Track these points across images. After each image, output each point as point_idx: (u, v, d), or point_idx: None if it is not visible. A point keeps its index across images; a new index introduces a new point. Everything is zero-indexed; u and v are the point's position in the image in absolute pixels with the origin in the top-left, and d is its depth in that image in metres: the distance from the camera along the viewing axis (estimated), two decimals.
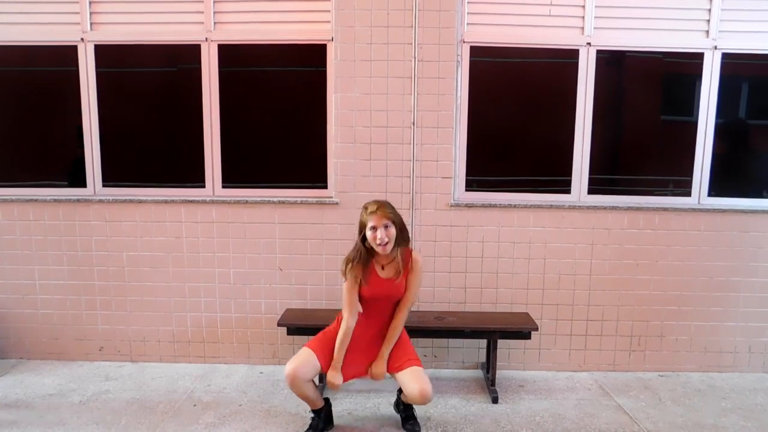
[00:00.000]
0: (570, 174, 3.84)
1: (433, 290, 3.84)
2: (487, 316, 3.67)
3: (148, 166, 3.96)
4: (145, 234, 3.84)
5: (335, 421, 3.09)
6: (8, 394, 3.44)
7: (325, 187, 3.84)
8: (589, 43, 3.72)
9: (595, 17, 3.71)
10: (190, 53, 3.77)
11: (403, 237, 2.84)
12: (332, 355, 2.88)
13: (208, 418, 3.14)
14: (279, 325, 3.51)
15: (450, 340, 3.83)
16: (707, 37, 3.73)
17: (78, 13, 3.74)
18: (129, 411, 3.23)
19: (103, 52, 3.79)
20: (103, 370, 3.81)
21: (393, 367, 2.90)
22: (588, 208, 3.78)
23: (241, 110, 3.86)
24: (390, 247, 2.77)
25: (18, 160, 3.97)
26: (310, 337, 3.62)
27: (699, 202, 3.85)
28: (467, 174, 3.85)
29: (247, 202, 3.80)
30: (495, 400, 3.38)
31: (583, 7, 3.70)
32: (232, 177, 3.87)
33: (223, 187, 3.87)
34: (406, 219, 3.70)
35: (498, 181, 3.89)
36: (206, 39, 3.74)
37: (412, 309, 3.75)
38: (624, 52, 3.81)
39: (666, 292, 3.83)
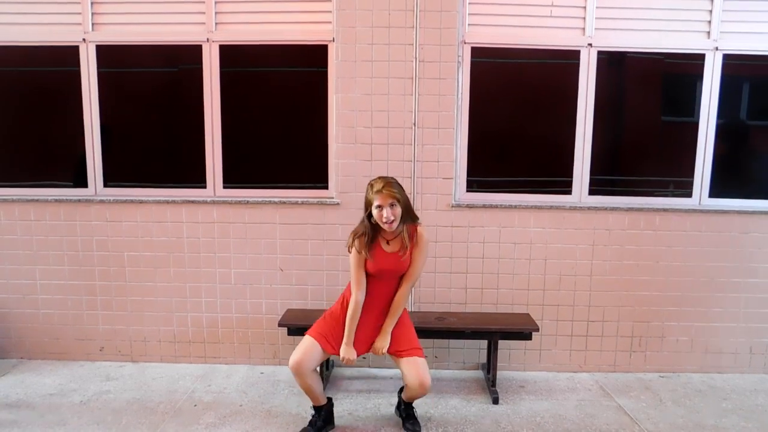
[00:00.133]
0: (571, 175, 3.84)
1: (433, 291, 3.84)
2: (488, 316, 3.67)
3: (149, 167, 3.97)
4: (146, 234, 3.84)
5: (336, 421, 3.09)
6: (9, 393, 3.45)
7: (326, 188, 3.84)
8: (590, 44, 3.73)
9: (596, 18, 3.71)
10: (192, 54, 3.77)
11: (409, 214, 2.84)
12: (336, 337, 2.90)
13: (209, 419, 3.14)
14: (280, 325, 3.52)
15: (451, 340, 3.83)
16: (708, 38, 3.73)
17: (80, 13, 3.75)
18: (129, 411, 3.23)
19: (104, 52, 3.80)
20: (104, 370, 3.81)
21: (395, 350, 2.90)
22: (589, 208, 3.78)
23: (242, 111, 3.86)
24: (396, 225, 2.77)
25: (19, 160, 3.97)
26: None
27: (700, 203, 3.85)
28: (468, 175, 3.85)
29: (248, 202, 3.80)
30: (495, 401, 3.38)
31: (584, 8, 3.71)
32: (233, 177, 3.88)
33: (224, 187, 3.87)
34: None
35: (499, 182, 3.89)
36: (207, 39, 3.75)
37: (412, 310, 3.76)
38: (625, 53, 3.81)
39: (667, 292, 3.83)
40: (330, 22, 3.71)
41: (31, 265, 3.89)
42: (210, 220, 3.82)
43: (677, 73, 3.88)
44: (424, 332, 3.52)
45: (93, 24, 3.77)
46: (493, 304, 3.84)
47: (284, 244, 3.83)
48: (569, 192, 3.85)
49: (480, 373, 3.83)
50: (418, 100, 3.68)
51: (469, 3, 3.70)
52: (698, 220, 3.78)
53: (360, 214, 2.88)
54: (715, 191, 3.85)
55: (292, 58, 3.83)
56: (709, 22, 3.71)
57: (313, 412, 3.00)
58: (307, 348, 2.85)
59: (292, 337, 3.55)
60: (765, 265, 3.81)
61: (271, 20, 3.75)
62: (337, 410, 3.19)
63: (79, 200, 3.83)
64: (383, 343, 2.90)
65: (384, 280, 2.89)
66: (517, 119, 3.90)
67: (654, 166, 3.94)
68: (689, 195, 3.86)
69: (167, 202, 3.81)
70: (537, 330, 3.48)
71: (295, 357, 2.81)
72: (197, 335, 3.92)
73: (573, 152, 3.82)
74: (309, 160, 3.90)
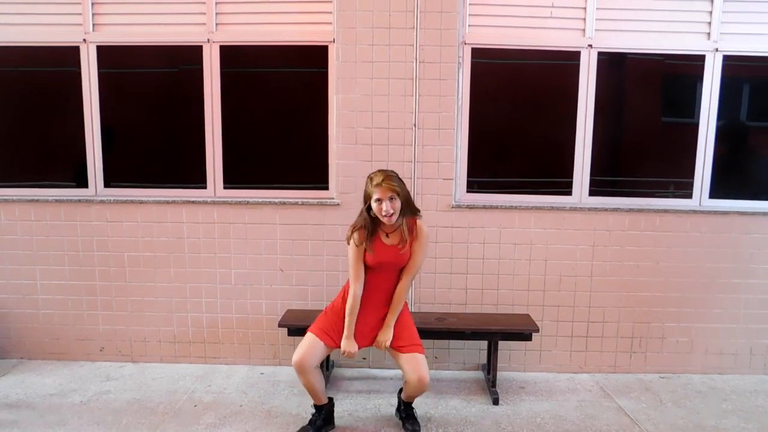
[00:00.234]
0: (571, 175, 3.84)
1: (434, 291, 3.84)
2: (488, 317, 3.67)
3: (149, 167, 3.97)
4: (146, 234, 3.85)
5: (336, 421, 3.09)
6: (9, 394, 3.45)
7: (327, 188, 3.85)
8: (590, 45, 3.73)
9: (596, 19, 3.72)
10: (192, 54, 3.78)
11: (409, 207, 2.84)
12: (338, 331, 2.90)
13: (209, 419, 3.14)
14: (280, 325, 3.52)
15: (451, 341, 3.83)
16: (708, 39, 3.73)
17: (80, 14, 3.75)
18: (130, 411, 3.23)
19: (105, 53, 3.80)
20: (104, 371, 3.81)
21: (395, 345, 2.90)
22: (589, 209, 3.78)
23: (242, 111, 3.86)
24: (395, 218, 2.77)
25: (20, 160, 3.98)
26: None
27: (700, 204, 3.85)
28: (468, 175, 3.85)
29: (248, 202, 3.80)
30: (496, 402, 3.38)
31: (585, 9, 3.71)
32: (233, 178, 3.88)
33: (225, 187, 3.87)
34: None
35: (499, 183, 3.89)
36: (208, 40, 3.75)
37: (412, 310, 3.76)
38: (625, 54, 3.82)
39: (667, 293, 3.83)
40: (330, 23, 3.72)
41: (31, 265, 3.89)
42: (210, 221, 3.82)
43: (677, 74, 3.88)
44: (424, 333, 3.51)
45: (93, 24, 3.78)
46: (493, 304, 3.84)
47: (284, 245, 3.83)
48: (569, 193, 3.85)
49: (480, 374, 3.83)
50: (419, 100, 3.69)
51: (470, 4, 3.71)
52: (698, 221, 3.78)
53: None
54: (716, 192, 3.85)
55: (293, 58, 3.83)
56: (709, 23, 3.72)
57: (313, 410, 3.00)
58: (309, 344, 2.86)
59: (292, 337, 3.55)
60: (765, 266, 3.81)
61: (272, 21, 3.76)
62: (337, 410, 3.19)
63: (80, 200, 3.83)
64: (386, 336, 2.90)
65: (384, 273, 2.89)
66: (517, 120, 3.90)
67: (654, 167, 3.95)
68: (689, 196, 3.87)
69: (167, 202, 3.81)
70: (537, 331, 3.48)
71: (297, 354, 2.82)
72: (197, 335, 3.92)
73: (573, 153, 3.82)
74: (309, 161, 3.90)
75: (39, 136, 3.93)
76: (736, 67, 3.77)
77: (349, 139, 3.73)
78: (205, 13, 3.74)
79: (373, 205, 2.75)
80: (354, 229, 2.84)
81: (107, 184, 3.91)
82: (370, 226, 2.82)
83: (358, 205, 3.70)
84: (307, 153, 3.90)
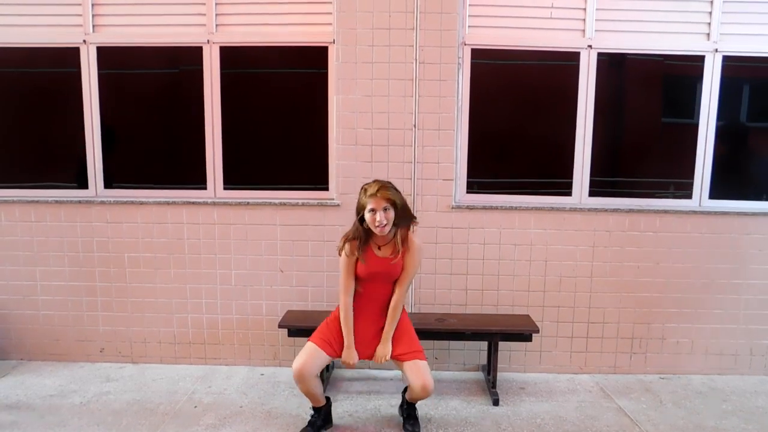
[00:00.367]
0: (571, 176, 3.84)
1: (434, 292, 3.84)
2: (488, 318, 3.67)
3: (149, 168, 3.97)
4: (146, 235, 3.85)
5: (336, 422, 3.09)
6: (9, 395, 3.45)
7: (327, 189, 3.85)
8: (590, 46, 3.73)
9: (596, 20, 3.72)
10: (192, 55, 3.78)
11: (404, 217, 2.83)
12: (339, 340, 2.91)
13: (209, 420, 3.14)
14: (280, 326, 3.52)
15: (451, 342, 3.83)
16: (708, 39, 3.73)
17: (80, 15, 3.75)
18: (130, 412, 3.23)
19: (105, 54, 3.80)
20: (104, 372, 3.81)
21: (396, 355, 2.90)
22: (589, 210, 3.78)
23: (242, 112, 3.86)
24: (387, 229, 2.77)
25: (20, 161, 3.98)
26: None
27: (700, 205, 3.85)
28: (468, 176, 3.85)
29: (248, 203, 3.80)
30: (496, 402, 3.38)
31: (584, 9, 3.71)
32: (233, 178, 3.88)
33: (225, 188, 3.87)
34: None
35: (499, 183, 3.89)
36: (208, 41, 3.75)
37: (412, 311, 3.76)
38: (625, 55, 3.82)
39: (667, 294, 3.83)
40: (330, 24, 3.72)
41: (31, 266, 3.89)
42: (210, 222, 3.82)
43: (677, 75, 3.88)
44: (424, 333, 3.52)
45: (93, 25, 3.78)
46: (493, 305, 3.84)
47: (284, 246, 3.83)
48: (569, 193, 3.85)
49: (480, 375, 3.83)
50: (419, 101, 3.69)
51: (470, 5, 3.71)
52: (698, 222, 3.78)
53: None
54: (716, 193, 3.85)
55: (293, 59, 3.84)
56: (709, 23, 3.72)
57: (312, 412, 3.01)
58: (310, 354, 2.85)
59: (292, 338, 3.55)
60: (765, 267, 3.81)
61: (272, 22, 3.76)
62: (338, 411, 3.19)
63: (80, 201, 3.83)
64: (385, 350, 2.90)
65: (376, 284, 2.89)
66: (517, 121, 3.90)
67: (654, 167, 3.95)
68: (689, 196, 3.87)
69: (168, 203, 3.81)
70: (537, 331, 3.47)
71: (298, 363, 2.81)
72: (197, 336, 3.92)
73: (573, 154, 3.82)
74: (309, 162, 3.90)
75: (39, 137, 3.93)
76: (735, 68, 3.77)
77: (349, 140, 3.73)
78: (205, 14, 3.74)
79: (367, 215, 2.75)
80: (346, 239, 2.84)
81: (107, 185, 3.91)
82: (362, 237, 2.82)
83: None
84: (307, 154, 3.90)
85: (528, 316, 3.71)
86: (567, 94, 3.78)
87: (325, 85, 3.77)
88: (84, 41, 3.77)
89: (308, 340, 2.94)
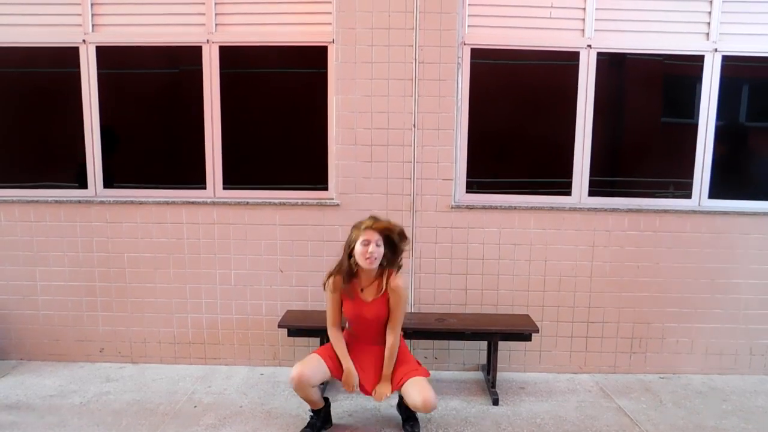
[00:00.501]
0: (570, 176, 3.84)
1: (433, 292, 3.84)
2: (488, 317, 3.67)
3: (149, 168, 3.97)
4: (146, 235, 3.84)
5: (336, 422, 3.09)
6: (9, 395, 3.44)
7: (326, 189, 3.85)
8: (589, 46, 3.73)
9: (596, 19, 3.72)
10: (192, 55, 3.78)
11: (391, 260, 2.88)
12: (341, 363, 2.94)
13: (209, 420, 3.14)
14: (280, 326, 3.52)
15: (451, 341, 3.83)
16: (707, 39, 3.73)
17: (80, 14, 3.75)
18: (129, 412, 3.22)
19: (104, 53, 3.80)
20: (104, 372, 3.81)
21: (397, 385, 2.91)
22: (588, 210, 3.78)
23: (242, 112, 3.86)
24: (376, 264, 2.81)
25: (19, 161, 3.98)
26: (310, 339, 3.66)
27: (699, 204, 3.85)
28: (468, 176, 3.85)
29: (248, 203, 3.80)
30: (496, 402, 3.38)
31: (584, 9, 3.71)
32: (233, 178, 3.88)
33: (224, 188, 3.87)
34: (407, 221, 3.71)
35: (498, 183, 3.89)
36: (207, 41, 3.75)
37: (412, 311, 3.76)
38: (624, 55, 3.82)
39: (667, 294, 3.83)
40: (330, 24, 3.72)
41: (31, 266, 3.89)
42: (210, 222, 3.82)
43: (677, 75, 3.88)
44: (423, 334, 3.53)
45: (93, 25, 3.78)
46: (493, 305, 3.84)
47: (284, 245, 3.83)
48: (569, 193, 3.85)
49: (480, 375, 3.83)
50: (418, 101, 3.69)
51: (469, 4, 3.71)
52: (698, 222, 3.78)
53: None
54: (715, 192, 3.85)
55: (292, 59, 3.84)
56: (709, 23, 3.72)
57: (311, 414, 3.00)
58: (312, 365, 2.86)
59: (292, 338, 3.56)
60: (765, 267, 3.81)
61: (271, 21, 3.76)
62: (338, 411, 3.19)
63: (79, 201, 3.83)
64: (384, 390, 2.91)
65: (366, 326, 2.93)
66: (516, 120, 3.90)
67: (654, 167, 3.95)
68: (689, 196, 3.87)
69: (167, 203, 3.81)
70: (537, 331, 3.48)
71: (296, 371, 2.81)
72: (197, 336, 3.92)
73: (573, 153, 3.82)
74: (309, 162, 3.90)
75: (38, 137, 3.93)
76: (735, 68, 3.77)
77: (348, 140, 3.73)
78: (204, 14, 3.74)
79: (359, 247, 2.78)
80: (330, 274, 2.89)
81: (107, 185, 3.91)
82: (347, 273, 2.85)
83: (358, 206, 3.73)
84: (306, 153, 3.90)
85: (528, 315, 3.71)
86: (566, 94, 3.78)
87: (325, 85, 3.77)
88: (83, 41, 3.77)
89: (314, 351, 2.98)
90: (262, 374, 3.79)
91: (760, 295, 3.83)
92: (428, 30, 3.64)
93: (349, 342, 2.99)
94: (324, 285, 2.91)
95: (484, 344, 3.80)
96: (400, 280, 2.88)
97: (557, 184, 3.88)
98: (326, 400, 3.05)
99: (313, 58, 3.77)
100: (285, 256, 3.83)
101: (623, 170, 4.01)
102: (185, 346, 3.93)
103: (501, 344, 3.51)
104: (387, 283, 2.86)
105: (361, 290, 2.91)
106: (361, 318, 2.90)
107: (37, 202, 3.83)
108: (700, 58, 3.75)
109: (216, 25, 3.75)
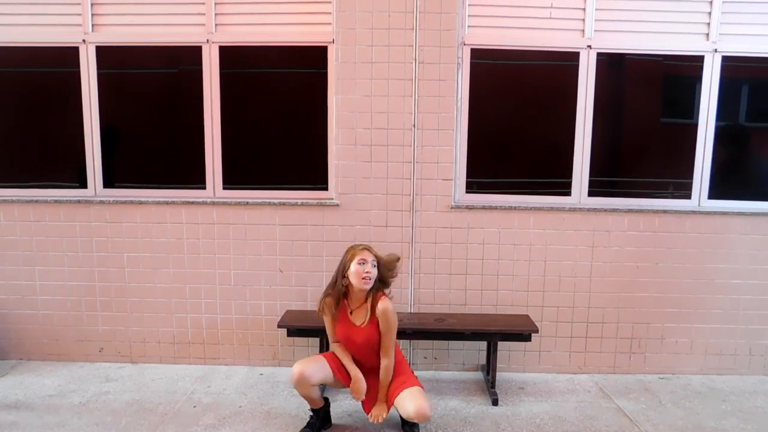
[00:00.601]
0: (570, 176, 3.84)
1: (433, 292, 3.84)
2: (488, 318, 3.67)
3: (148, 168, 3.97)
4: (145, 235, 3.84)
5: (335, 422, 3.09)
6: (8, 394, 3.44)
7: (326, 189, 3.85)
8: (589, 46, 3.73)
9: (596, 20, 3.72)
10: (192, 55, 3.78)
11: (383, 282, 2.91)
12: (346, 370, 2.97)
13: (208, 420, 3.14)
14: (279, 326, 3.52)
15: (450, 342, 3.83)
16: (707, 39, 3.74)
17: (80, 14, 3.75)
18: (129, 412, 3.22)
19: (104, 53, 3.80)
20: (104, 371, 3.81)
21: (392, 400, 2.91)
22: (588, 210, 3.78)
23: (242, 112, 3.86)
24: (371, 285, 2.84)
25: (19, 160, 3.97)
26: (309, 339, 3.66)
27: (699, 205, 3.85)
28: (468, 176, 3.85)
29: (247, 203, 3.80)
30: (495, 402, 3.38)
31: (584, 9, 3.71)
32: (232, 178, 3.88)
33: (224, 188, 3.87)
34: (407, 221, 3.72)
35: (498, 183, 3.89)
36: (207, 41, 3.75)
37: (411, 311, 3.77)
38: (624, 55, 3.82)
39: (666, 294, 3.83)
40: (330, 24, 3.72)
41: (30, 266, 3.88)
42: (210, 221, 3.82)
43: (676, 75, 3.88)
44: (423, 334, 3.53)
45: (93, 25, 3.78)
46: (492, 305, 3.84)
47: (284, 245, 3.83)
48: (569, 193, 3.85)
49: (479, 375, 3.83)
50: (418, 101, 3.69)
51: (469, 5, 3.71)
52: (697, 222, 3.78)
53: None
54: (715, 193, 3.86)
55: (292, 59, 3.84)
56: (708, 24, 3.72)
57: (311, 413, 3.00)
58: (314, 364, 2.89)
59: (291, 338, 3.56)
60: (764, 267, 3.81)
61: (271, 21, 3.76)
62: (337, 411, 3.19)
63: (79, 201, 3.83)
64: (380, 411, 2.91)
65: (358, 348, 2.94)
66: (516, 121, 3.90)
67: (653, 167, 3.95)
68: (688, 197, 3.87)
69: (167, 203, 3.81)
70: (536, 331, 3.48)
71: (297, 367, 2.83)
72: (197, 336, 3.92)
73: (572, 154, 3.82)
74: (309, 162, 3.90)
75: (38, 137, 3.93)
76: (735, 68, 3.77)
77: (348, 140, 3.73)
78: (204, 14, 3.74)
79: (354, 267, 2.81)
80: (323, 296, 2.93)
81: (106, 185, 3.91)
82: (338, 294, 2.89)
83: (358, 206, 3.73)
84: (306, 154, 3.90)
85: (527, 316, 3.71)
86: (566, 94, 3.79)
87: (325, 85, 3.77)
88: (83, 41, 3.77)
89: (319, 354, 3.03)
90: (261, 374, 3.79)
91: (760, 296, 3.83)
92: (428, 30, 3.64)
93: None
94: (318, 311, 2.95)
95: (483, 344, 3.81)
96: (387, 302, 2.88)
97: (557, 184, 3.88)
98: (326, 399, 3.05)
99: (313, 58, 3.77)
100: (284, 256, 3.83)
101: (623, 170, 4.01)
102: (185, 346, 3.93)
103: (500, 344, 3.51)
104: (372, 310, 2.87)
105: (350, 312, 2.93)
106: (350, 341, 2.93)
107: (36, 201, 3.83)
108: (699, 59, 3.75)
109: (216, 25, 3.75)
